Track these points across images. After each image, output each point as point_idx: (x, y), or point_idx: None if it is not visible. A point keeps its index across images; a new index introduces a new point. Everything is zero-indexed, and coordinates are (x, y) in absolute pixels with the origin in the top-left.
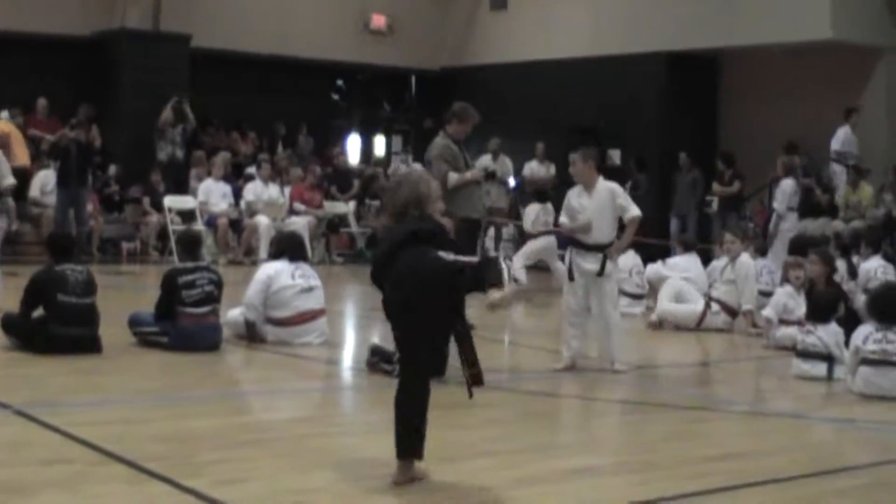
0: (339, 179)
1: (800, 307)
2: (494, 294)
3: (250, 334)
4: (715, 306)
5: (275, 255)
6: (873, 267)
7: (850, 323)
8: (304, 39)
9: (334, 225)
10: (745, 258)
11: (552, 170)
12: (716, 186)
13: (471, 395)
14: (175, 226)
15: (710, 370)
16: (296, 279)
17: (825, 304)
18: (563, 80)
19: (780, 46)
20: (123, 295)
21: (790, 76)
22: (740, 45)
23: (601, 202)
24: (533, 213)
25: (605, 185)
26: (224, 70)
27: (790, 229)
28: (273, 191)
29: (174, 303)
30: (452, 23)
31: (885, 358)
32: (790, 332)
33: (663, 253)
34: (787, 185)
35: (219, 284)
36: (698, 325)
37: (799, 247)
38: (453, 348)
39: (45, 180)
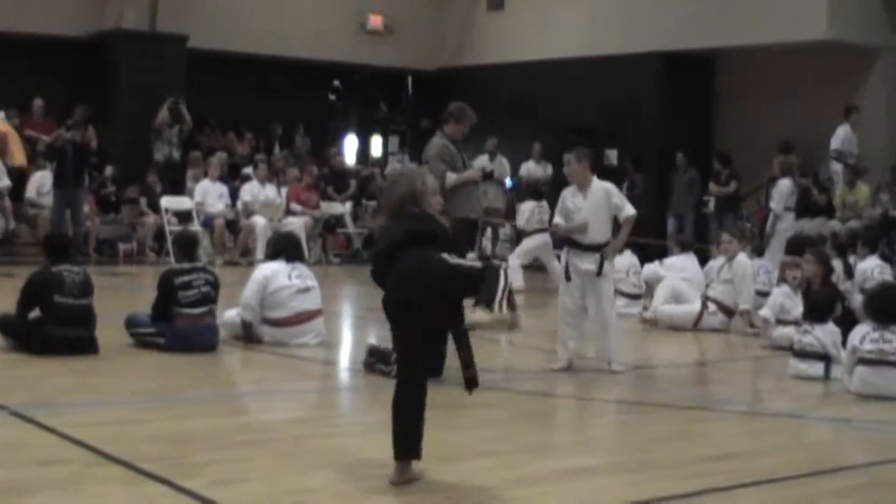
0: (335, 180)
1: (797, 307)
2: (477, 315)
3: (247, 335)
4: (712, 306)
5: (271, 255)
6: (870, 267)
7: (846, 323)
8: (301, 40)
9: (331, 225)
10: (743, 258)
11: (549, 170)
12: (712, 187)
13: (469, 393)
14: (172, 226)
15: (708, 370)
16: (292, 280)
17: (822, 303)
18: (560, 81)
19: (777, 46)
20: (120, 296)
21: (787, 76)
22: (737, 45)
23: (596, 202)
24: (528, 211)
25: (599, 185)
26: (220, 70)
27: (787, 229)
28: (270, 191)
29: (171, 303)
30: (449, 23)
31: (882, 357)
32: (787, 331)
33: (660, 253)
34: (784, 185)
35: (215, 285)
36: (695, 326)
37: (796, 247)
38: (451, 348)
39: (41, 181)
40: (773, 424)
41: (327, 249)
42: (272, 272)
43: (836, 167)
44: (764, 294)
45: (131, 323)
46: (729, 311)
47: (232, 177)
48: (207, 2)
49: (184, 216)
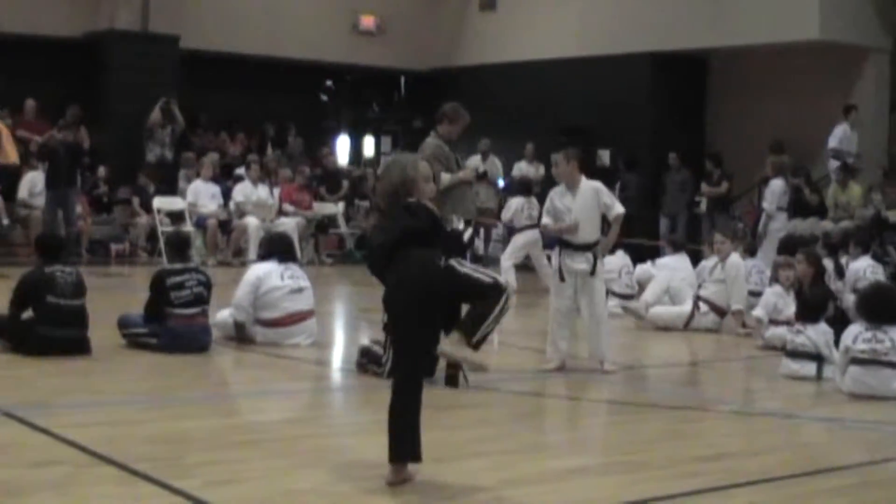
0: (328, 180)
1: (789, 307)
2: (454, 347)
3: (240, 335)
4: (704, 306)
5: (264, 256)
6: (862, 267)
7: (838, 322)
8: (293, 40)
9: (324, 226)
10: (735, 258)
11: (541, 170)
12: (704, 187)
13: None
14: (164, 227)
15: (700, 370)
16: (285, 280)
17: (815, 303)
18: (553, 81)
19: (769, 47)
20: (113, 296)
21: (779, 76)
22: (729, 45)
23: (586, 201)
24: (516, 206)
25: (588, 185)
26: (213, 71)
27: (779, 229)
28: (262, 192)
29: (163, 304)
30: (441, 23)
31: (874, 357)
32: (780, 331)
33: (653, 253)
34: (777, 185)
35: (208, 285)
36: (686, 326)
37: (788, 247)
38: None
39: (33, 181)
40: (766, 424)
41: (320, 250)
42: (265, 273)
43: (834, 166)
44: (756, 294)
45: (124, 323)
46: (721, 312)
47: (224, 177)
48: (200, 2)
49: (176, 217)
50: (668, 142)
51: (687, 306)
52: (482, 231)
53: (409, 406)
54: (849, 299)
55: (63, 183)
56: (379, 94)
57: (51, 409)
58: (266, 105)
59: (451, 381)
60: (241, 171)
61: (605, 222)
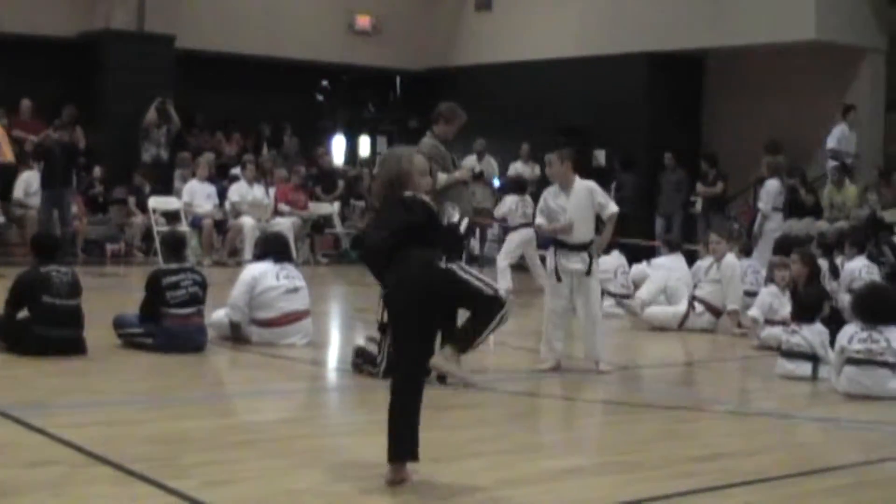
0: (323, 180)
1: (784, 307)
2: (444, 361)
3: (235, 335)
4: (699, 306)
5: (259, 256)
6: (857, 267)
7: (833, 323)
8: (289, 40)
9: (319, 226)
10: (731, 258)
11: (536, 170)
12: (700, 187)
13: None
14: (159, 227)
15: (695, 370)
16: (280, 280)
17: (810, 304)
18: (548, 81)
19: (766, 47)
20: (108, 296)
21: (775, 76)
22: (725, 45)
23: (580, 201)
24: (512, 204)
25: (582, 185)
26: (209, 71)
27: (775, 229)
28: (258, 192)
29: (159, 304)
30: (437, 23)
31: (870, 357)
32: (775, 331)
33: (648, 253)
34: (772, 185)
35: (203, 285)
36: (680, 326)
37: (784, 247)
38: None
39: (29, 181)
40: (761, 424)
41: (315, 250)
42: (260, 273)
43: (832, 166)
44: (752, 294)
45: (119, 323)
46: (716, 312)
47: (220, 177)
48: (195, 2)
49: (172, 216)
50: (664, 142)
51: (682, 306)
52: (478, 231)
53: (409, 406)
54: (844, 299)
55: (59, 183)
56: (375, 94)
57: (47, 408)
58: (262, 105)
59: (443, 379)
60: (236, 171)
61: (600, 222)
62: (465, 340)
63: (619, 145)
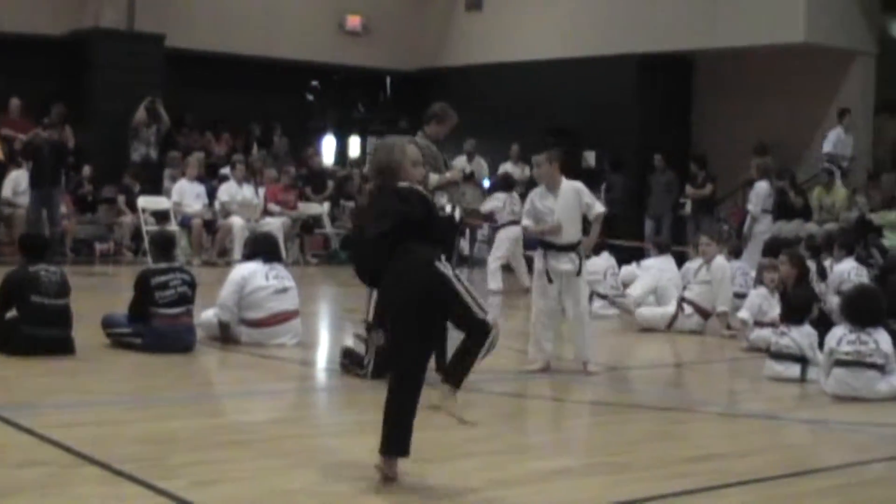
0: (313, 180)
1: (773, 309)
2: (442, 399)
3: (224, 335)
4: (688, 308)
5: (249, 256)
6: (846, 269)
7: (821, 325)
8: (279, 40)
9: (309, 226)
10: (721, 260)
11: (526, 171)
12: (689, 189)
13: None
14: (149, 226)
15: (684, 371)
16: (270, 280)
17: (799, 305)
18: (539, 82)
19: (755, 49)
20: (97, 296)
21: (765, 79)
22: (715, 47)
23: (567, 202)
24: (500, 201)
25: (569, 185)
26: (198, 70)
27: (764, 231)
28: (247, 191)
29: (148, 304)
30: (427, 24)
31: (858, 359)
32: (764, 333)
33: (638, 255)
34: (762, 187)
35: (192, 285)
36: (669, 327)
37: (773, 249)
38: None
39: (17, 180)
40: (750, 426)
41: (305, 250)
42: (250, 273)
43: (824, 167)
44: (741, 296)
45: (108, 323)
46: (705, 313)
47: (209, 177)
48: (185, 1)
49: (161, 216)
50: (653, 143)
51: (671, 307)
52: (468, 232)
53: (406, 405)
54: (832, 301)
55: (47, 182)
56: (365, 94)
57: (35, 409)
58: (252, 105)
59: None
60: (226, 170)
61: (587, 222)
62: (458, 376)
63: (608, 147)
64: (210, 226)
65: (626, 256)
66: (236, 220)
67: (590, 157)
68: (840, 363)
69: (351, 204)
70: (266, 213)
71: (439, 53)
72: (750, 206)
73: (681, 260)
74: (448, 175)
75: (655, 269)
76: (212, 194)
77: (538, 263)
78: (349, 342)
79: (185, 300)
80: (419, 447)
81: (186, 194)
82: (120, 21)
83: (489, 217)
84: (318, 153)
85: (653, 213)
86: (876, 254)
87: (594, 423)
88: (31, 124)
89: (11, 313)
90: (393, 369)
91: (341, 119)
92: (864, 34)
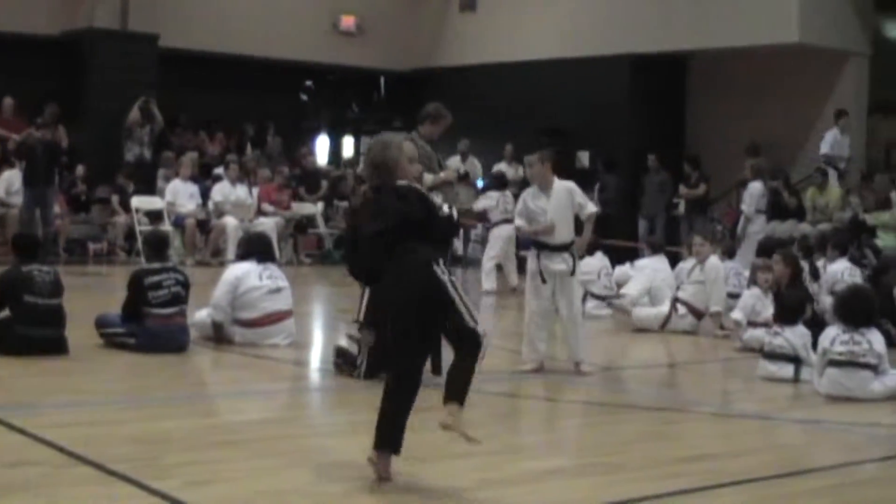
0: (307, 180)
1: (767, 309)
2: (450, 418)
3: (217, 335)
4: (681, 308)
5: (242, 256)
6: (840, 269)
7: (814, 325)
8: (273, 40)
9: (302, 226)
10: (715, 260)
11: (520, 171)
12: (682, 189)
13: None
14: (142, 226)
15: (678, 372)
16: (263, 280)
17: (792, 306)
18: (532, 82)
19: (749, 50)
20: (90, 296)
21: (758, 79)
22: (709, 47)
23: (560, 202)
24: (492, 199)
25: (562, 185)
26: (192, 70)
27: (758, 232)
28: (241, 191)
29: (141, 304)
30: (421, 24)
31: (852, 359)
32: (758, 333)
33: (631, 255)
34: (755, 187)
35: (186, 285)
36: (662, 327)
37: (767, 249)
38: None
39: (10, 180)
40: (744, 426)
41: (298, 250)
42: (243, 273)
43: (818, 168)
44: (735, 296)
45: (102, 323)
46: (699, 313)
47: (203, 177)
48: (179, 1)
49: (154, 216)
50: (647, 144)
51: (665, 307)
52: (462, 232)
53: (401, 404)
54: (825, 302)
55: (41, 182)
56: (358, 94)
57: (28, 408)
58: (245, 104)
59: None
60: (219, 170)
61: (580, 222)
62: (461, 392)
63: (602, 147)
64: (203, 226)
65: (619, 257)
66: (230, 220)
67: (583, 158)
68: (833, 363)
69: (345, 204)
70: (260, 213)
71: (433, 54)
72: (744, 207)
73: (674, 260)
74: (442, 175)
75: (649, 270)
76: (205, 194)
77: (531, 264)
78: (342, 342)
79: (179, 300)
80: (413, 447)
81: (180, 194)
82: (113, 21)
83: (482, 216)
84: (311, 153)
85: (646, 214)
86: (869, 254)
87: (588, 424)
88: (24, 124)
89: (4, 313)
90: (391, 368)
91: (335, 119)
92: (858, 35)
